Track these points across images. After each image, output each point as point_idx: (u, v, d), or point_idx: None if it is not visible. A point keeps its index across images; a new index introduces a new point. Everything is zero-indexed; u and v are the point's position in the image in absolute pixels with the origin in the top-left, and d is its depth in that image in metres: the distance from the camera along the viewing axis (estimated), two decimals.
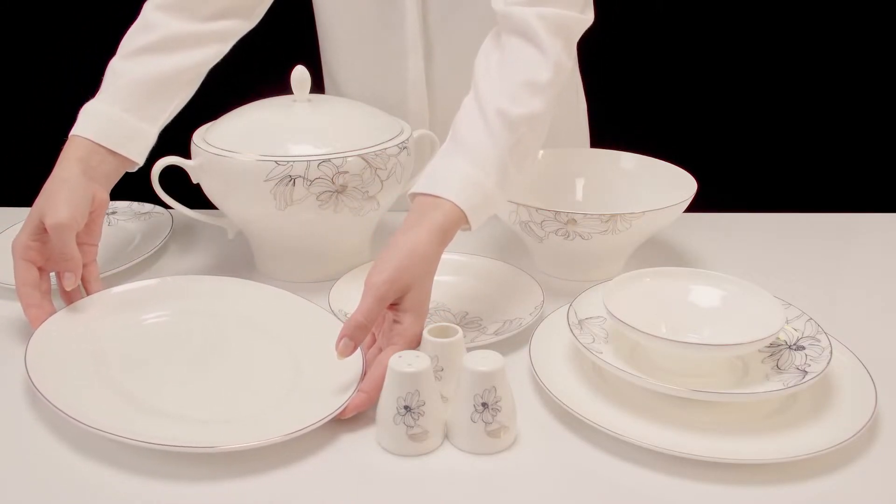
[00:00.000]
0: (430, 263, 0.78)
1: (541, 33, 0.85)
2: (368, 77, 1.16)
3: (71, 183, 0.88)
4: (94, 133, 0.91)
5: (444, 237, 0.79)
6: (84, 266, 0.88)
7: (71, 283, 0.86)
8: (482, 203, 0.81)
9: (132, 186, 1.23)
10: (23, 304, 0.85)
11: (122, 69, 0.95)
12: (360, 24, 1.13)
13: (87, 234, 0.89)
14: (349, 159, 0.90)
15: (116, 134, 0.92)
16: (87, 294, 0.89)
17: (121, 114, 0.93)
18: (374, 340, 0.80)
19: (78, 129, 0.92)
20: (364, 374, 0.76)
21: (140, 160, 0.95)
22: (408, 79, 1.13)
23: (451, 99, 1.13)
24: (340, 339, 0.74)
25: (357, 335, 0.74)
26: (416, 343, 0.76)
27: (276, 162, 0.88)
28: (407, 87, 1.13)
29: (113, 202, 1.16)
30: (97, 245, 0.91)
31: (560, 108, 1.19)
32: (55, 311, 0.85)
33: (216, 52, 1.01)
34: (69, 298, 0.87)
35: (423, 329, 0.76)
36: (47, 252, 0.86)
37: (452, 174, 0.81)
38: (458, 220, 0.80)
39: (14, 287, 0.86)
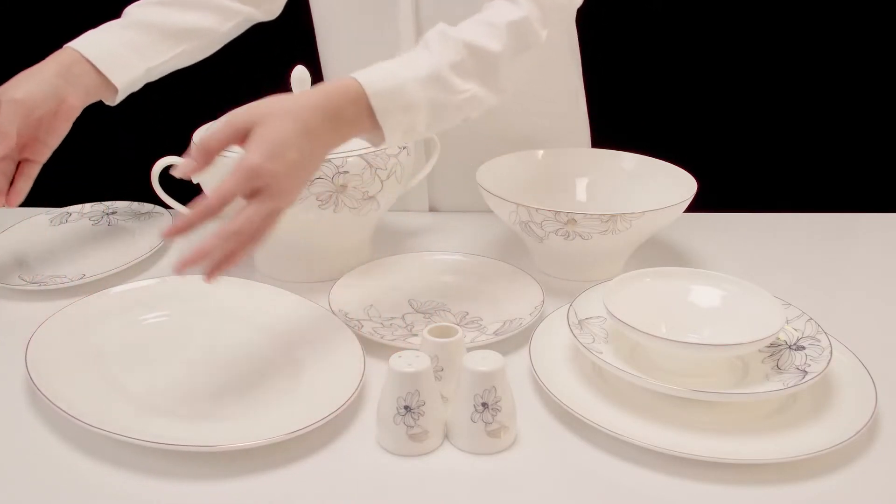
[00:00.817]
0: (293, 111, 0.72)
1: None
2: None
3: (42, 75, 0.90)
4: (83, 48, 0.93)
5: (326, 101, 0.74)
6: (27, 162, 0.89)
7: None
8: (392, 89, 0.76)
9: (132, 186, 1.23)
10: None
11: (135, 12, 0.99)
12: (354, 22, 1.12)
13: (45, 133, 0.90)
14: (349, 159, 0.90)
15: (106, 56, 0.94)
16: (7, 195, 0.88)
17: (118, 44, 0.95)
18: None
19: (70, 44, 0.94)
20: None
21: (120, 87, 0.95)
22: None
23: None
24: (188, 161, 0.72)
25: (198, 154, 0.71)
26: (239, 172, 0.69)
27: None
28: None
29: (113, 203, 1.16)
30: (52, 148, 0.92)
31: (560, 107, 1.19)
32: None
33: (228, 29, 1.04)
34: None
35: (255, 164, 0.69)
36: None
37: (371, 67, 0.79)
38: (353, 93, 0.75)
39: (10, 287, 0.86)
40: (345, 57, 1.17)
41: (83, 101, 0.93)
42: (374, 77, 0.77)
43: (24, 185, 0.89)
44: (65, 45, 0.93)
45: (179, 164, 0.72)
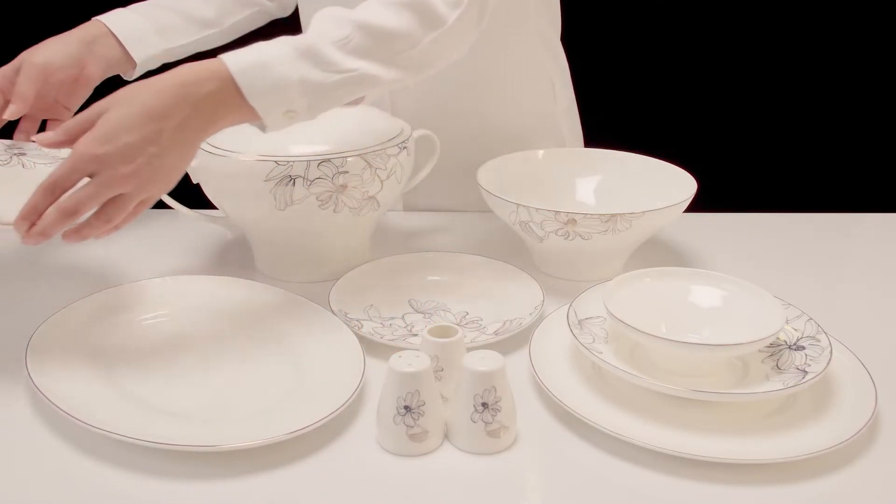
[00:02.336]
0: (139, 96, 0.71)
1: None
2: None
3: (65, 41, 0.94)
4: (110, 22, 0.98)
5: (183, 82, 0.72)
6: (51, 122, 0.94)
7: (10, 113, 0.89)
8: (256, 65, 0.74)
9: None
10: None
11: None
12: None
13: (65, 96, 0.95)
14: (349, 159, 0.90)
15: (130, 31, 0.99)
16: (14, 136, 0.93)
17: (143, 22, 1.00)
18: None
19: (99, 17, 0.98)
20: None
21: (138, 63, 1.00)
22: None
23: (439, 96, 1.13)
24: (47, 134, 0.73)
25: (59, 133, 0.72)
26: (71, 156, 0.70)
27: (275, 162, 0.88)
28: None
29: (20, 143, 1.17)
30: (72, 112, 0.96)
31: (536, 104, 1.18)
32: None
33: (247, 20, 1.10)
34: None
35: (82, 149, 0.69)
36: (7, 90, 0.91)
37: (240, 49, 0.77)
38: (217, 72, 0.74)
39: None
40: None
41: (103, 72, 0.98)
42: (240, 55, 0.75)
43: (47, 140, 0.89)
44: (93, 18, 0.98)
45: (42, 134, 0.73)
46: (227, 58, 0.74)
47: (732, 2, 1.86)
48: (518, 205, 0.93)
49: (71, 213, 0.70)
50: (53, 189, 0.70)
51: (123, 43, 0.98)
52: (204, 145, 0.93)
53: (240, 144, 0.91)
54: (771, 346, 0.79)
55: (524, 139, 1.15)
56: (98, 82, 0.97)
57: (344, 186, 0.90)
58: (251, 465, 0.69)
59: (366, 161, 0.91)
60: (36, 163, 0.93)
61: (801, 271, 1.05)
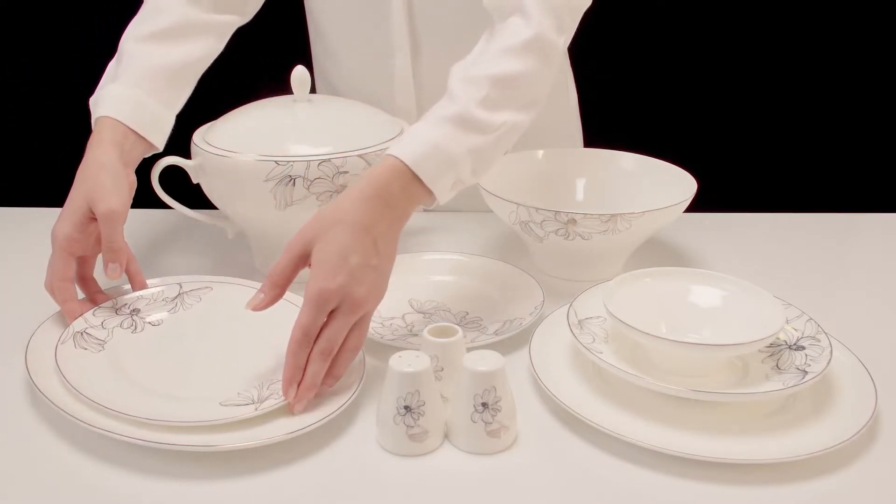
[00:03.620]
0: (340, 218, 0.74)
1: (529, 7, 0.84)
2: (357, 76, 1.16)
3: (114, 169, 0.85)
4: (125, 116, 0.89)
5: (371, 190, 0.75)
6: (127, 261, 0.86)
7: (116, 273, 0.83)
8: (429, 153, 0.77)
9: None
10: (59, 298, 0.83)
11: (139, 52, 0.93)
12: (348, 22, 1.13)
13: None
14: (349, 159, 0.90)
15: (145, 118, 0.91)
16: (134, 289, 0.87)
17: (145, 98, 0.91)
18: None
19: (108, 111, 0.89)
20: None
21: (161, 147, 0.94)
22: (395, 77, 1.12)
23: (439, 97, 1.13)
24: (257, 294, 0.75)
25: (267, 289, 0.75)
26: (308, 302, 0.72)
27: (276, 162, 0.88)
28: (394, 85, 1.13)
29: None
30: None
31: (549, 106, 1.18)
32: (88, 305, 0.85)
33: (217, 46, 1.01)
34: (97, 298, 0.86)
35: (319, 288, 0.71)
36: (89, 243, 0.84)
37: (402, 137, 0.80)
38: (395, 170, 0.77)
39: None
40: (338, 56, 1.17)
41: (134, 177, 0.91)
42: (409, 147, 0.78)
43: (140, 278, 0.89)
44: (101, 114, 0.89)
45: (250, 300, 0.75)
46: (400, 152, 0.77)
47: (732, 2, 1.86)
48: (518, 205, 0.93)
49: (329, 353, 0.72)
50: (307, 340, 0.72)
51: (146, 136, 0.90)
52: (204, 145, 0.93)
53: (240, 144, 0.91)
54: (771, 346, 0.79)
55: (541, 134, 1.14)
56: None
57: (344, 186, 0.90)
58: (251, 465, 0.69)
59: (366, 161, 0.91)
60: (153, 316, 0.87)
61: (801, 271, 1.05)
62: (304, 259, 0.74)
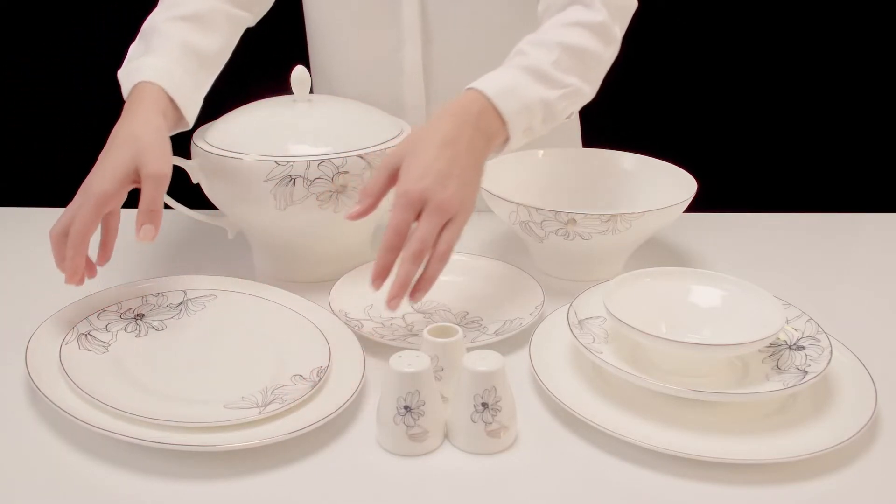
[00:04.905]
0: (427, 134, 0.80)
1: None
2: (362, 71, 1.14)
3: (162, 133, 0.84)
4: (167, 84, 0.88)
5: (454, 112, 0.81)
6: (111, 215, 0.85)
7: (150, 235, 0.81)
8: (509, 88, 0.83)
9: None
10: (71, 252, 0.79)
11: (173, 31, 0.93)
12: (353, 15, 1.11)
13: None
14: (349, 159, 0.90)
15: (184, 91, 0.90)
16: (100, 262, 0.85)
17: (182, 73, 0.91)
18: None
19: (150, 76, 0.87)
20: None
21: (191, 125, 0.93)
22: (404, 71, 1.11)
23: (450, 91, 1.12)
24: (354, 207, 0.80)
25: (363, 199, 0.79)
26: (397, 203, 0.76)
27: (276, 162, 0.88)
28: (403, 79, 1.12)
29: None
30: None
31: None
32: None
33: (232, 42, 1.02)
34: (106, 256, 0.84)
35: (405, 189, 0.76)
36: (121, 202, 0.83)
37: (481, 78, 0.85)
38: (478, 101, 0.82)
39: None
40: (340, 52, 1.15)
41: None
42: (490, 82, 0.83)
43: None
44: (146, 79, 0.87)
45: (349, 211, 0.80)
46: (481, 85, 0.83)
47: (732, 2, 1.86)
48: (518, 205, 0.93)
49: (419, 255, 0.76)
50: (397, 239, 0.76)
51: (182, 109, 0.90)
52: (203, 145, 0.93)
53: (240, 144, 0.91)
54: (771, 346, 0.79)
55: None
56: None
57: (344, 186, 0.90)
58: (251, 465, 0.69)
59: (366, 161, 0.91)
60: (162, 320, 0.86)
61: (802, 271, 1.05)
62: (394, 175, 0.79)
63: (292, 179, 0.89)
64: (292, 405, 0.72)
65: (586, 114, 1.27)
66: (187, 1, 0.97)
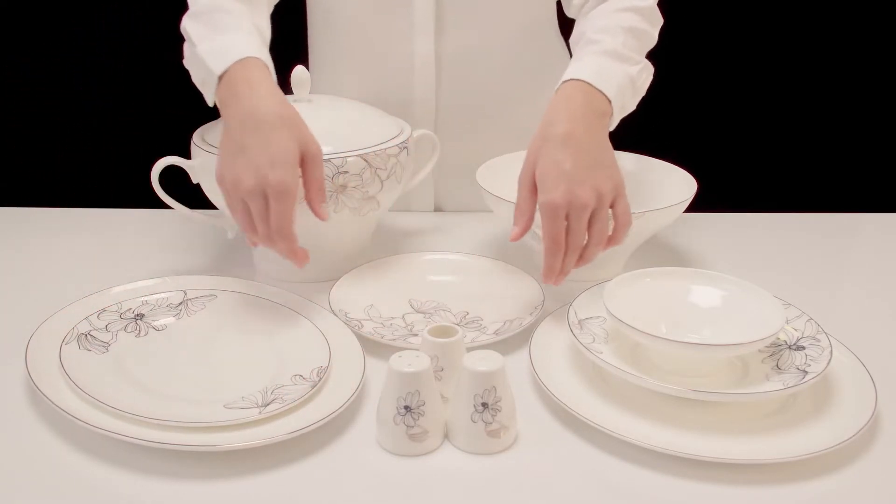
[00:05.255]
0: (545, 138, 0.83)
1: None
2: (369, 64, 1.12)
3: (294, 110, 0.83)
4: (267, 62, 0.86)
5: (567, 106, 0.85)
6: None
7: (327, 213, 0.85)
8: (600, 73, 0.88)
9: (132, 186, 1.23)
10: (291, 245, 0.81)
11: (239, 10, 0.91)
12: (363, 3, 1.09)
13: None
14: (349, 159, 0.90)
15: (273, 71, 0.88)
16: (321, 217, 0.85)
17: (267, 54, 0.89)
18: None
19: (254, 51, 0.85)
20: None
21: None
22: (415, 63, 1.09)
23: (461, 85, 1.12)
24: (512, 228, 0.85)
25: (518, 218, 0.84)
26: (544, 216, 0.81)
27: None
28: (413, 72, 1.10)
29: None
30: None
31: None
32: None
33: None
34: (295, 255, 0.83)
35: (546, 201, 0.81)
36: None
37: (566, 73, 0.90)
38: (580, 88, 0.86)
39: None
40: (345, 46, 1.12)
41: None
42: (580, 68, 0.88)
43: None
44: (250, 55, 0.85)
45: (511, 233, 0.85)
46: (575, 74, 0.88)
47: (732, 2, 1.86)
48: None
49: (578, 248, 0.83)
50: (558, 247, 0.82)
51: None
52: (203, 145, 0.93)
53: None
54: (771, 346, 0.79)
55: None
56: None
57: (344, 186, 0.90)
58: (251, 465, 0.69)
59: (366, 161, 0.91)
60: (157, 321, 0.86)
61: (801, 271, 1.05)
62: (535, 186, 0.83)
63: None
64: (292, 405, 0.72)
65: None
66: None
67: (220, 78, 0.85)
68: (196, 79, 0.90)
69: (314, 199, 0.82)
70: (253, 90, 0.82)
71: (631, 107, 0.94)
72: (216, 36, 0.88)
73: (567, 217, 0.81)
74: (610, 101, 0.87)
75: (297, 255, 0.82)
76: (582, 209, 0.81)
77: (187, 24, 0.91)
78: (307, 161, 0.81)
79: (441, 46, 1.09)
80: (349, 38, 1.13)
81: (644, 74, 0.95)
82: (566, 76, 0.89)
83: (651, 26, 0.97)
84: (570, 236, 0.82)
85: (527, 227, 0.84)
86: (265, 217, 0.80)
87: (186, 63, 0.92)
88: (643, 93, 0.96)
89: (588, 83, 0.87)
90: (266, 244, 0.82)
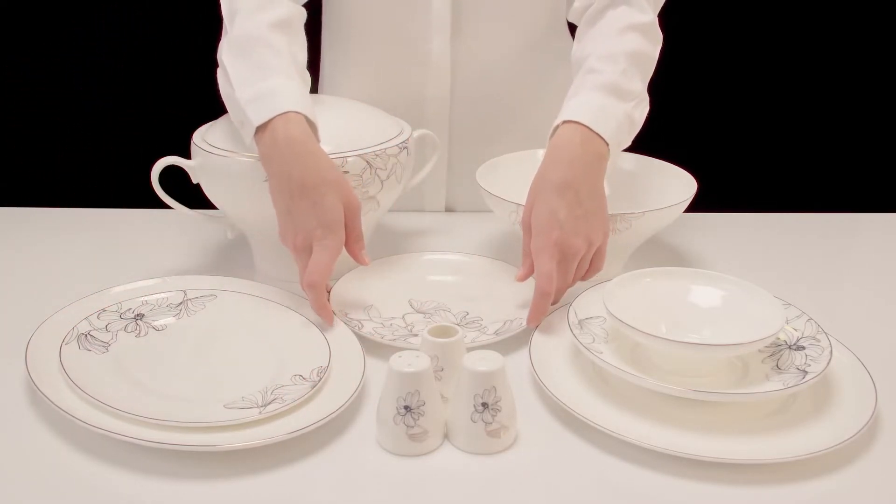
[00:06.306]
0: (539, 187, 0.86)
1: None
2: (384, 65, 1.11)
3: (342, 175, 0.86)
4: (309, 113, 0.86)
5: (565, 151, 0.86)
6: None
7: (368, 258, 0.89)
8: (600, 114, 0.88)
9: (132, 186, 1.23)
10: (323, 300, 0.84)
11: (279, 45, 0.89)
12: (375, 6, 1.09)
13: None
14: (349, 159, 0.90)
15: (313, 115, 0.87)
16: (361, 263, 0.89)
17: (307, 95, 0.89)
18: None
19: (295, 105, 0.85)
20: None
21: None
22: (430, 61, 1.09)
23: (475, 84, 1.12)
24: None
25: (525, 260, 0.87)
26: (538, 262, 0.84)
27: None
28: (428, 71, 1.10)
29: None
30: None
31: (549, 105, 1.18)
32: None
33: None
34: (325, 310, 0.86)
35: (539, 247, 0.84)
36: None
37: (563, 108, 0.91)
38: (578, 131, 0.87)
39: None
40: (358, 48, 1.12)
41: None
42: (578, 109, 0.89)
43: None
44: (293, 109, 0.84)
45: (518, 275, 0.89)
46: (573, 115, 0.88)
47: (732, 2, 1.86)
48: (518, 205, 0.93)
49: (563, 290, 0.87)
50: (549, 286, 0.84)
51: (316, 134, 0.88)
52: (203, 145, 0.93)
53: (240, 144, 0.91)
54: (771, 346, 0.79)
55: (541, 134, 1.13)
56: None
57: None
58: (251, 465, 0.69)
59: (366, 161, 0.91)
60: (157, 321, 0.86)
61: (801, 271, 1.05)
62: (528, 228, 0.86)
63: None
64: (292, 405, 0.72)
65: None
66: (272, 4, 0.92)
67: (260, 126, 0.85)
68: (233, 118, 0.90)
69: (353, 248, 0.87)
70: (295, 153, 0.83)
71: (627, 143, 0.94)
72: (257, 81, 0.86)
73: (559, 263, 0.85)
74: (607, 144, 0.88)
75: (330, 313, 0.86)
76: (573, 257, 0.85)
77: (225, 58, 0.90)
78: (348, 215, 0.85)
79: (456, 47, 1.09)
80: (364, 38, 1.12)
81: (641, 108, 0.95)
82: (565, 115, 0.89)
83: (652, 47, 0.97)
84: (558, 286, 0.86)
85: (532, 269, 0.86)
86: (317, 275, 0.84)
87: (223, 96, 0.91)
88: (640, 127, 0.95)
89: (587, 127, 0.87)
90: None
